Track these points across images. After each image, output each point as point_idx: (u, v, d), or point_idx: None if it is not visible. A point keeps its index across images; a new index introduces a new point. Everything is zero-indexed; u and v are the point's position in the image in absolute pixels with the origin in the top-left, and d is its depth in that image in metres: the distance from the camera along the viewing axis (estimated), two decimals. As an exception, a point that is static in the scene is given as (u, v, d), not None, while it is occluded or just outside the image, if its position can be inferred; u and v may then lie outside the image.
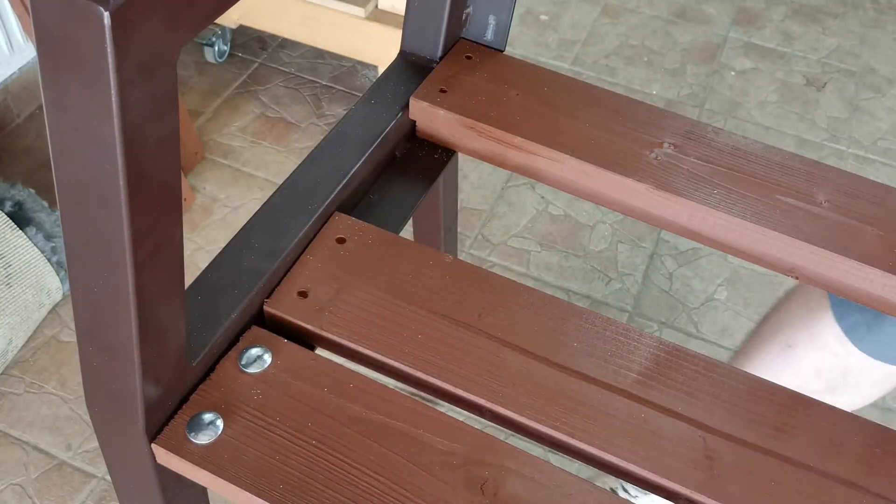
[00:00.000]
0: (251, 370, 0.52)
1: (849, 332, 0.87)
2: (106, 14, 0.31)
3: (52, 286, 1.32)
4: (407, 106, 0.67)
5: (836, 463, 0.50)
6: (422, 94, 0.67)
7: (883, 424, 0.64)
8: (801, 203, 0.61)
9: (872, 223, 0.60)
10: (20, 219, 1.31)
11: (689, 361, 0.54)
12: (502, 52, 0.71)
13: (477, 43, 0.72)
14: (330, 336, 0.54)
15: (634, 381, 0.52)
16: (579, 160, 0.62)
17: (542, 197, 1.59)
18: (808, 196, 0.62)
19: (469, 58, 0.71)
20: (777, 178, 0.63)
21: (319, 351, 0.55)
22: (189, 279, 0.49)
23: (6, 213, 1.29)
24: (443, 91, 0.68)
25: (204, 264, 0.55)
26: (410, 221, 0.74)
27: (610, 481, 1.06)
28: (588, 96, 0.68)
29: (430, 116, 0.67)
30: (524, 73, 0.70)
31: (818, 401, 0.52)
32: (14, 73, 1.64)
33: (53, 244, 1.32)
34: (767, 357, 1.00)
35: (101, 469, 1.22)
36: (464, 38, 0.72)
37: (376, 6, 1.56)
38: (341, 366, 0.53)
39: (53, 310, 1.37)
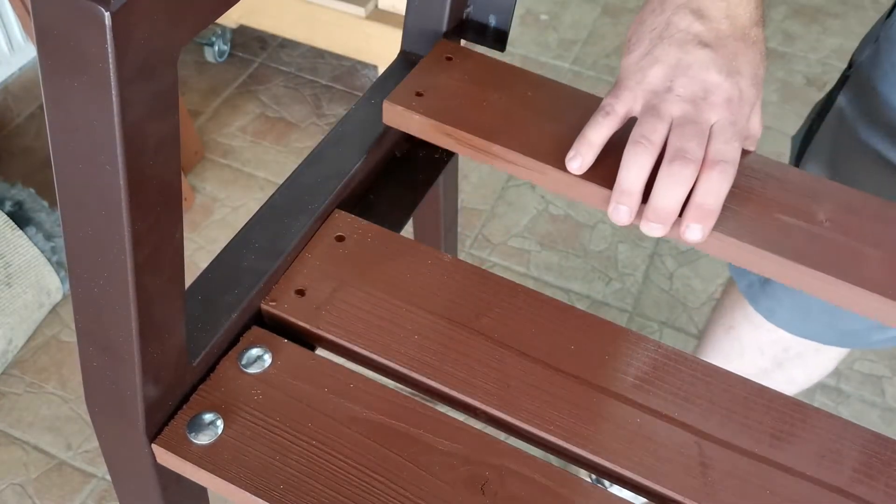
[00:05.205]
0: (251, 370, 0.52)
1: (746, 292, 0.90)
2: (107, 14, 0.31)
3: (52, 286, 1.32)
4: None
5: (833, 472, 0.49)
6: (396, 97, 0.63)
7: (883, 424, 0.64)
8: (800, 222, 0.57)
9: (877, 245, 0.56)
10: (20, 219, 1.31)
11: (686, 366, 0.53)
12: (502, 51, 0.71)
13: (457, 43, 0.71)
14: (326, 335, 0.54)
15: (630, 385, 0.52)
16: (561, 171, 0.58)
17: (543, 197, 1.59)
18: (807, 214, 0.57)
19: (449, 59, 0.67)
20: (774, 194, 0.58)
21: (320, 351, 0.55)
22: (189, 279, 0.49)
23: (6, 213, 1.29)
24: (419, 94, 0.63)
25: (204, 264, 0.55)
26: (410, 222, 0.74)
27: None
28: (574, 101, 0.64)
29: (404, 122, 0.63)
30: (507, 76, 0.66)
31: (817, 408, 0.52)
32: (14, 73, 1.64)
33: (53, 244, 1.32)
34: (715, 341, 1.03)
35: (101, 469, 1.22)
36: (464, 38, 0.72)
37: (376, 6, 1.56)
38: (341, 366, 0.53)
39: (53, 310, 1.37)
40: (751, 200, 0.58)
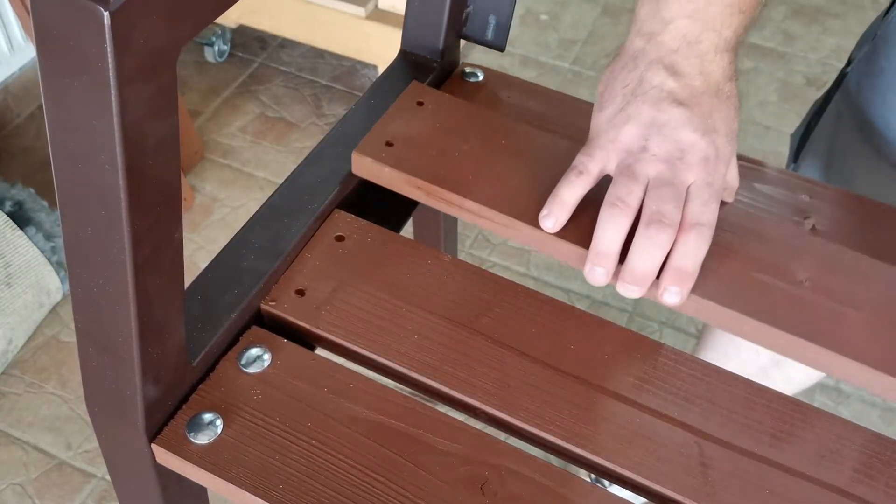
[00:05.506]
0: (251, 370, 0.52)
1: None
2: (106, 14, 0.31)
3: (52, 286, 1.32)
4: (407, 106, 0.67)
5: (833, 472, 0.49)
6: (366, 148, 0.60)
7: (883, 424, 0.64)
8: (779, 282, 0.55)
9: (858, 306, 0.54)
10: (20, 219, 1.31)
11: (686, 366, 0.53)
12: (502, 51, 0.71)
13: (429, 85, 0.69)
14: (326, 335, 0.54)
15: (630, 385, 0.52)
16: (536, 229, 0.56)
17: (542, 197, 1.59)
18: (787, 273, 0.55)
19: (420, 103, 0.65)
20: (753, 251, 0.56)
21: (319, 351, 0.55)
22: (189, 279, 0.49)
23: (6, 213, 1.29)
24: (389, 144, 0.61)
25: (204, 264, 0.55)
26: (410, 222, 0.74)
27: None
28: (549, 148, 0.61)
29: (374, 173, 0.60)
30: (479, 122, 0.63)
31: (817, 409, 0.52)
32: (14, 73, 1.64)
33: (53, 244, 1.32)
34: (713, 339, 1.02)
35: (101, 469, 1.22)
36: (464, 38, 0.72)
37: (376, 6, 1.56)
38: (341, 366, 0.53)
39: (53, 310, 1.37)
40: (729, 258, 0.56)
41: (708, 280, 0.54)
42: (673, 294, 0.52)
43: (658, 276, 0.53)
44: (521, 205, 0.57)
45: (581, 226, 0.55)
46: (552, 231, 0.56)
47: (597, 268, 0.53)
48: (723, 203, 0.58)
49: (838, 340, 0.52)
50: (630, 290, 0.53)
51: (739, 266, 0.55)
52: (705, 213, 0.53)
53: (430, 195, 0.59)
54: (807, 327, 0.53)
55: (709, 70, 0.54)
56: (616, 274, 0.53)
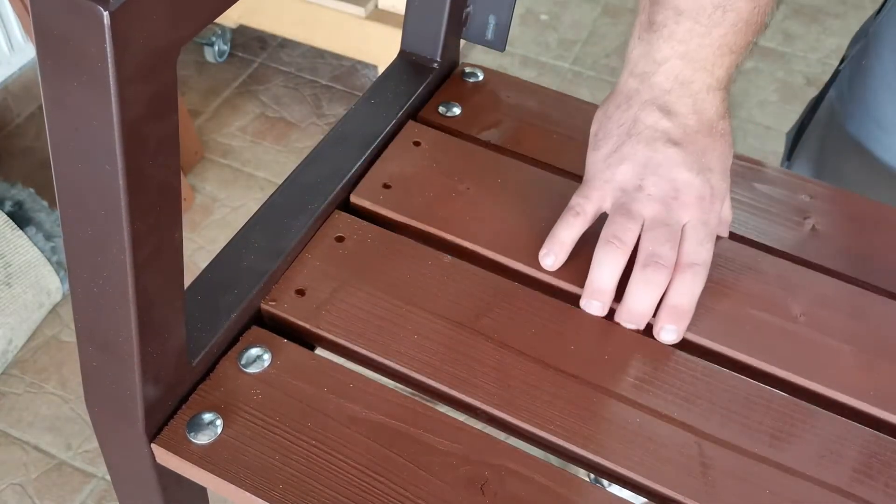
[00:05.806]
0: (251, 370, 0.52)
1: None
2: (106, 14, 0.31)
3: (52, 286, 1.32)
4: (407, 106, 0.67)
5: (833, 472, 0.49)
6: (363, 191, 0.61)
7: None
8: (775, 318, 0.55)
9: (851, 341, 0.55)
10: (20, 219, 1.31)
11: (686, 366, 0.53)
12: (502, 51, 0.71)
13: (424, 125, 0.69)
14: (326, 335, 0.54)
15: (631, 385, 0.52)
16: (532, 268, 0.57)
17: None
18: (782, 309, 0.56)
19: (417, 143, 0.64)
20: (749, 287, 0.57)
21: (319, 351, 0.55)
22: (189, 279, 0.49)
23: (6, 213, 1.29)
24: (386, 187, 0.62)
25: (204, 264, 0.55)
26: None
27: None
28: (546, 186, 0.62)
29: (374, 216, 0.61)
30: (475, 161, 0.64)
31: (817, 409, 0.52)
32: (14, 73, 1.65)
33: (53, 244, 1.32)
34: None
35: (101, 469, 1.22)
36: (464, 38, 0.72)
37: (376, 6, 1.56)
38: (341, 366, 0.53)
39: (53, 310, 1.37)
40: (725, 295, 0.57)
41: (704, 318, 0.55)
42: (669, 332, 0.54)
43: (655, 314, 0.54)
44: (519, 245, 0.59)
45: (578, 263, 0.57)
46: (552, 270, 0.57)
47: (593, 302, 0.55)
48: (718, 237, 0.58)
49: (835, 377, 0.53)
50: (627, 326, 0.55)
51: (735, 303, 0.56)
52: (701, 253, 0.54)
53: (428, 238, 0.60)
54: (803, 364, 0.53)
55: (702, 108, 0.55)
56: (612, 308, 0.55)
